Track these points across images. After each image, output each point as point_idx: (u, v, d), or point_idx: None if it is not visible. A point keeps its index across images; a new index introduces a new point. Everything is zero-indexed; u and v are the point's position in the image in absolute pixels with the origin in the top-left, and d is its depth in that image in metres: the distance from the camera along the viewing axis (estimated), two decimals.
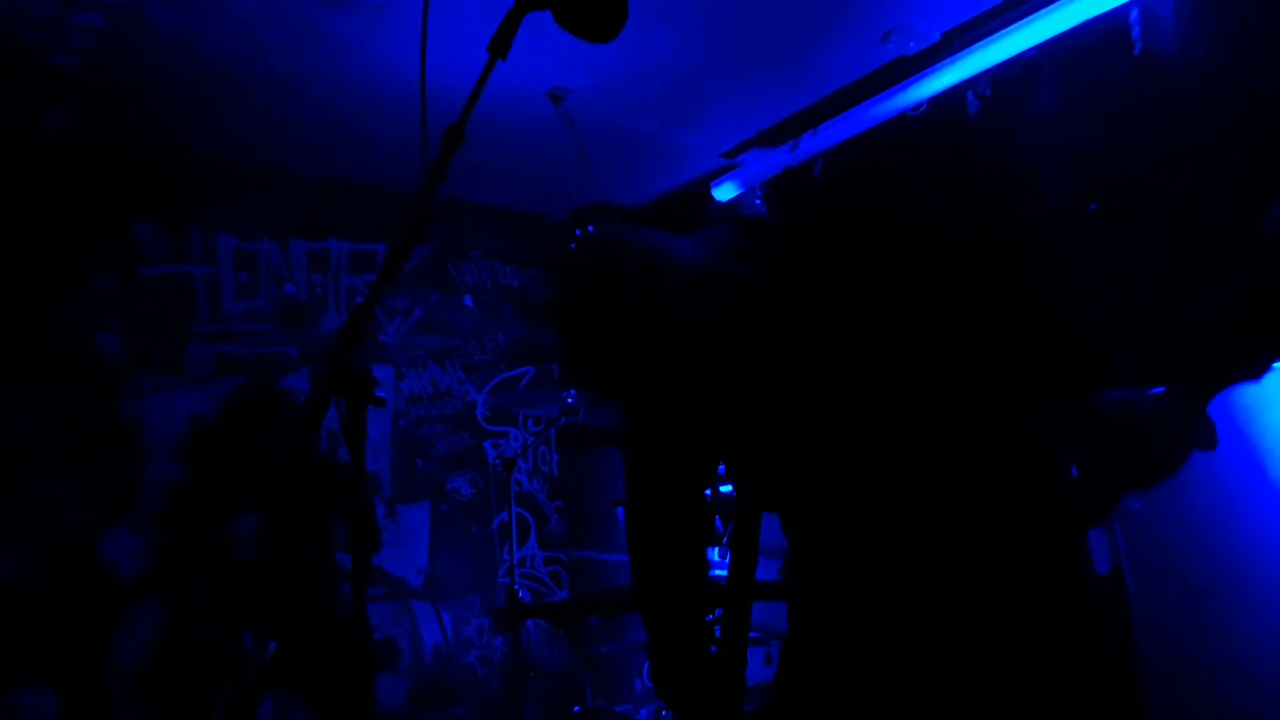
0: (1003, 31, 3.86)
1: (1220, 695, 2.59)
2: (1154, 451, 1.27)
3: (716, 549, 3.57)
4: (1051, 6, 3.70)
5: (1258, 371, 1.24)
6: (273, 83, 4.08)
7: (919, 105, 4.22)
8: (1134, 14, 3.55)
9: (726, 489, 3.27)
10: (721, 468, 1.77)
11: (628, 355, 1.50)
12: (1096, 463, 1.31)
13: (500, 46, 1.36)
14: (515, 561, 4.04)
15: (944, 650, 1.40)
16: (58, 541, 3.96)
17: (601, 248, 1.52)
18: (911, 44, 4.08)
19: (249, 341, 4.71)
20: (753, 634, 1.68)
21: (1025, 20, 3.79)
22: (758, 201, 5.06)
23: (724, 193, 5.13)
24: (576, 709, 3.75)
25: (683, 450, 1.67)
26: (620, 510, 4.88)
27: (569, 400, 4.11)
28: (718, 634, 1.66)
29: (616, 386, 1.61)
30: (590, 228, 1.56)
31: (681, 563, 1.71)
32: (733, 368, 1.47)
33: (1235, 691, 2.59)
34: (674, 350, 1.48)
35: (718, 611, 1.72)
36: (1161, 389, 1.30)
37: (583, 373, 1.58)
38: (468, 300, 5.48)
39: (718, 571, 2.02)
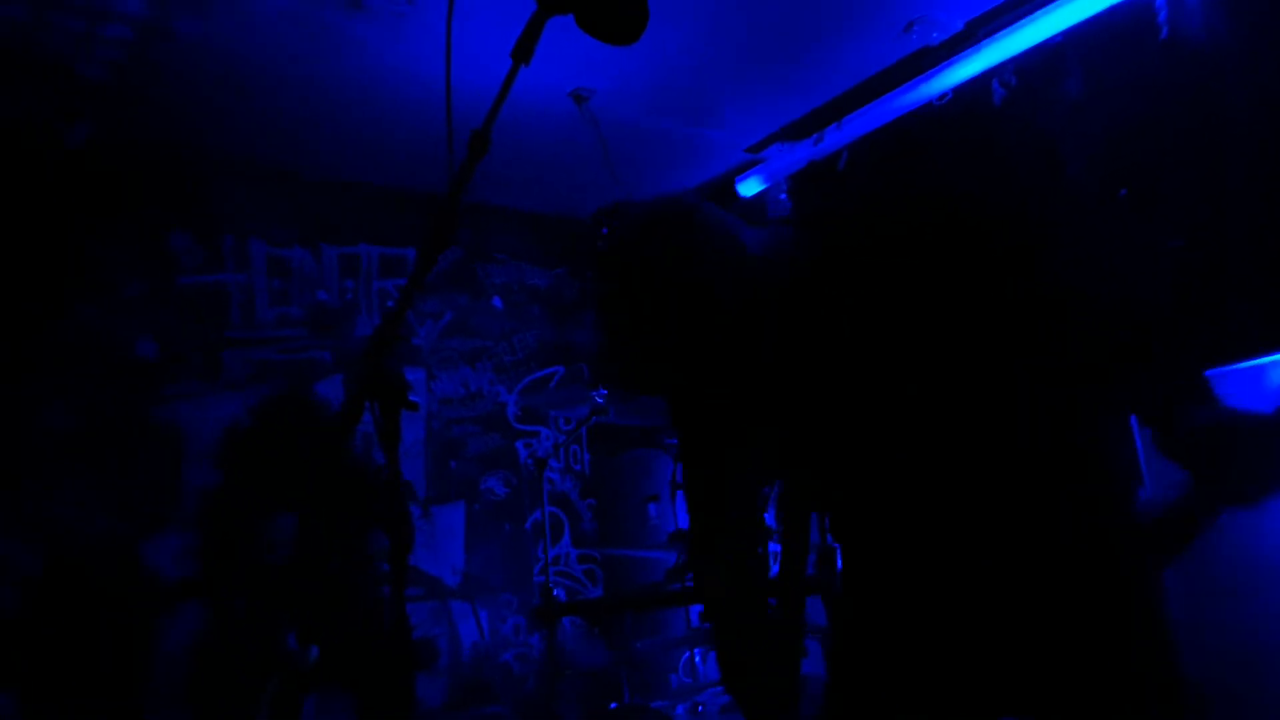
0: (1027, 18, 3.83)
1: (1246, 694, 2.56)
2: (1264, 470, 1.22)
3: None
4: None
5: None
6: (298, 89, 4.12)
7: (944, 94, 4.19)
8: None
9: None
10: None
11: (687, 340, 1.42)
12: (1197, 487, 1.28)
13: (524, 52, 1.37)
14: (549, 560, 4.06)
15: (991, 642, 1.40)
16: (97, 546, 4.03)
17: (682, 215, 1.44)
18: (934, 34, 4.06)
19: (283, 347, 4.76)
20: None
21: (1049, 7, 3.76)
22: (782, 196, 5.05)
23: (748, 188, 5.13)
24: (613, 705, 3.77)
25: (738, 448, 1.67)
26: (652, 507, 4.90)
27: (599, 399, 4.13)
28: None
29: (672, 378, 1.53)
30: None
31: (741, 560, 1.72)
32: (786, 362, 1.46)
33: (1259, 690, 2.55)
34: (734, 339, 1.43)
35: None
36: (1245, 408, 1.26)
37: (631, 364, 1.52)
38: (496, 302, 5.51)
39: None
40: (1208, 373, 1.37)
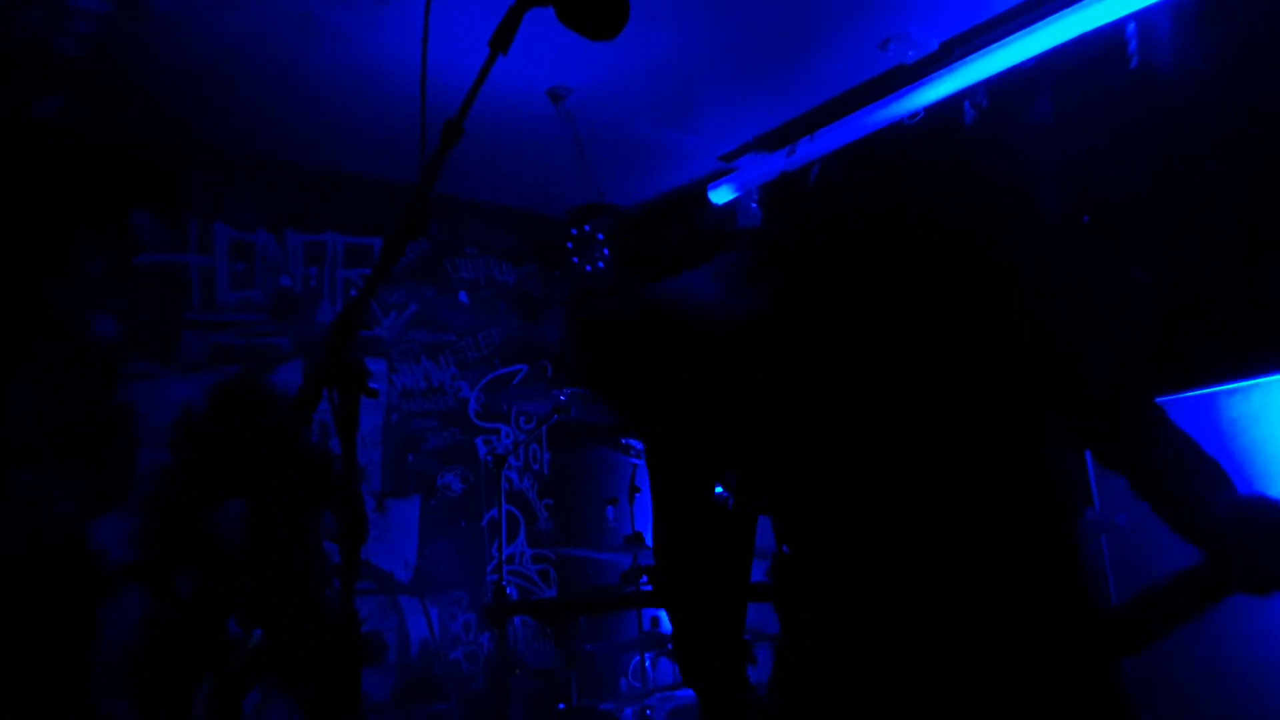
0: (1001, 42, 3.88)
1: (1204, 709, 2.61)
2: (1276, 561, 1.21)
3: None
4: (1050, 18, 3.72)
5: None
6: (272, 73, 4.08)
7: (915, 113, 4.24)
8: (1131, 27, 3.57)
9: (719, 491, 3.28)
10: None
11: (650, 397, 1.51)
12: (1214, 569, 1.26)
13: (502, 41, 1.37)
14: (504, 558, 4.05)
15: (935, 651, 1.41)
16: (46, 527, 3.96)
17: (629, 311, 1.52)
18: (910, 52, 4.09)
19: (242, 332, 4.71)
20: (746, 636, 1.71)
21: (1023, 31, 3.81)
22: (754, 206, 5.07)
23: (720, 196, 5.15)
24: (561, 706, 3.76)
25: (700, 467, 1.69)
26: (610, 509, 4.89)
27: (561, 398, 4.12)
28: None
29: (636, 419, 1.61)
30: (597, 233, 1.55)
31: (701, 565, 1.73)
32: (748, 394, 1.48)
33: (1218, 705, 2.60)
34: (696, 390, 1.48)
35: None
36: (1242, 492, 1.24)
37: (602, 400, 1.60)
38: (463, 296, 5.48)
39: None
40: (1161, 400, 1.38)
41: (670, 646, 3.72)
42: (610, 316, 1.53)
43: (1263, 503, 1.25)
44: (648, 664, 4.24)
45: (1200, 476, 1.31)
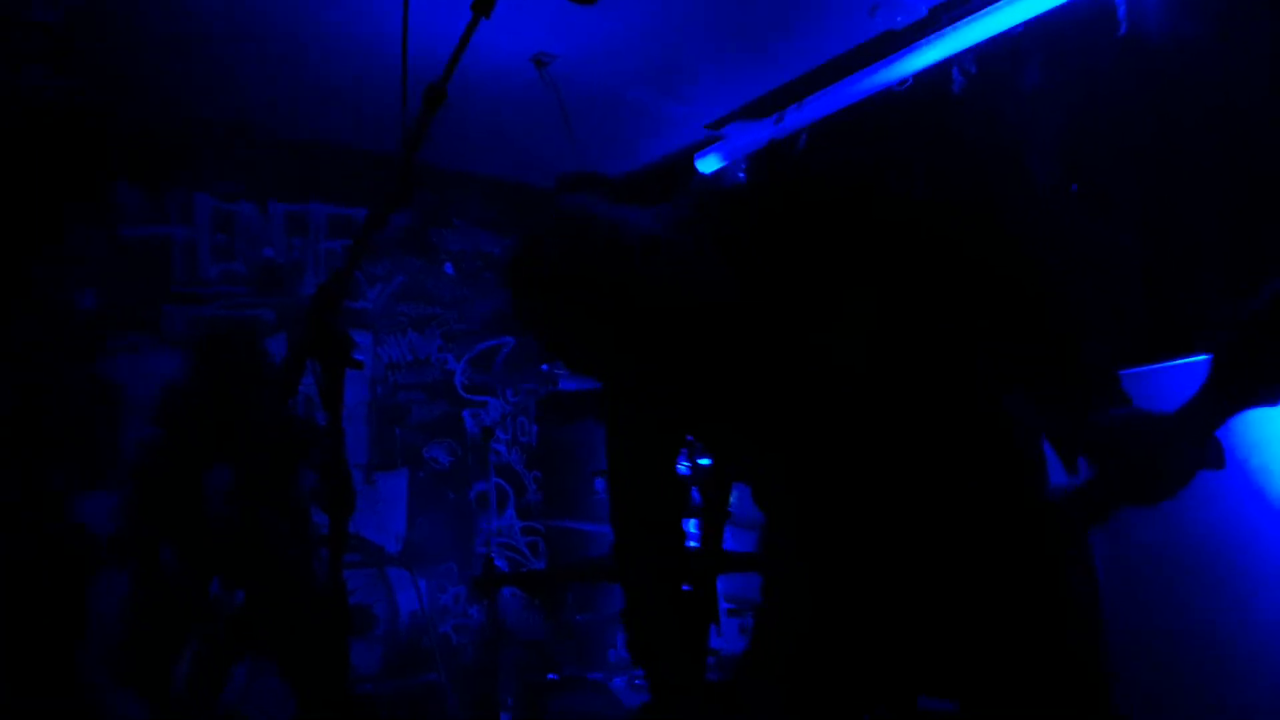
0: (990, 7, 3.85)
1: (1194, 702, 2.62)
2: (1160, 471, 1.21)
3: (693, 520, 3.59)
4: None
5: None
6: (253, 40, 4.02)
7: (904, 80, 4.21)
8: None
9: (705, 461, 3.29)
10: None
11: (594, 330, 1.43)
12: (1097, 482, 1.26)
13: (484, 5, 1.35)
14: (493, 531, 4.05)
15: (910, 622, 1.42)
16: (33, 502, 3.94)
17: (567, 220, 1.44)
18: (899, 18, 4.06)
19: (226, 304, 4.67)
20: (729, 605, 1.71)
21: None
22: (741, 175, 5.05)
23: (707, 165, 5.12)
24: (551, 676, 3.77)
25: (654, 425, 1.67)
26: (599, 481, 4.90)
27: (548, 370, 4.10)
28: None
29: (585, 362, 1.55)
30: (560, 199, 1.50)
31: (656, 533, 1.72)
32: (692, 342, 1.44)
33: (1210, 697, 2.62)
34: (637, 324, 1.41)
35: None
36: (1164, 407, 1.25)
37: (552, 347, 1.53)
38: (449, 268, 5.45)
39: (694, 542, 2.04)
40: (1144, 370, 1.38)
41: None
42: (547, 237, 1.44)
43: (1136, 415, 1.25)
44: None
45: (1096, 391, 1.30)
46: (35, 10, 3.67)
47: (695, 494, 3.26)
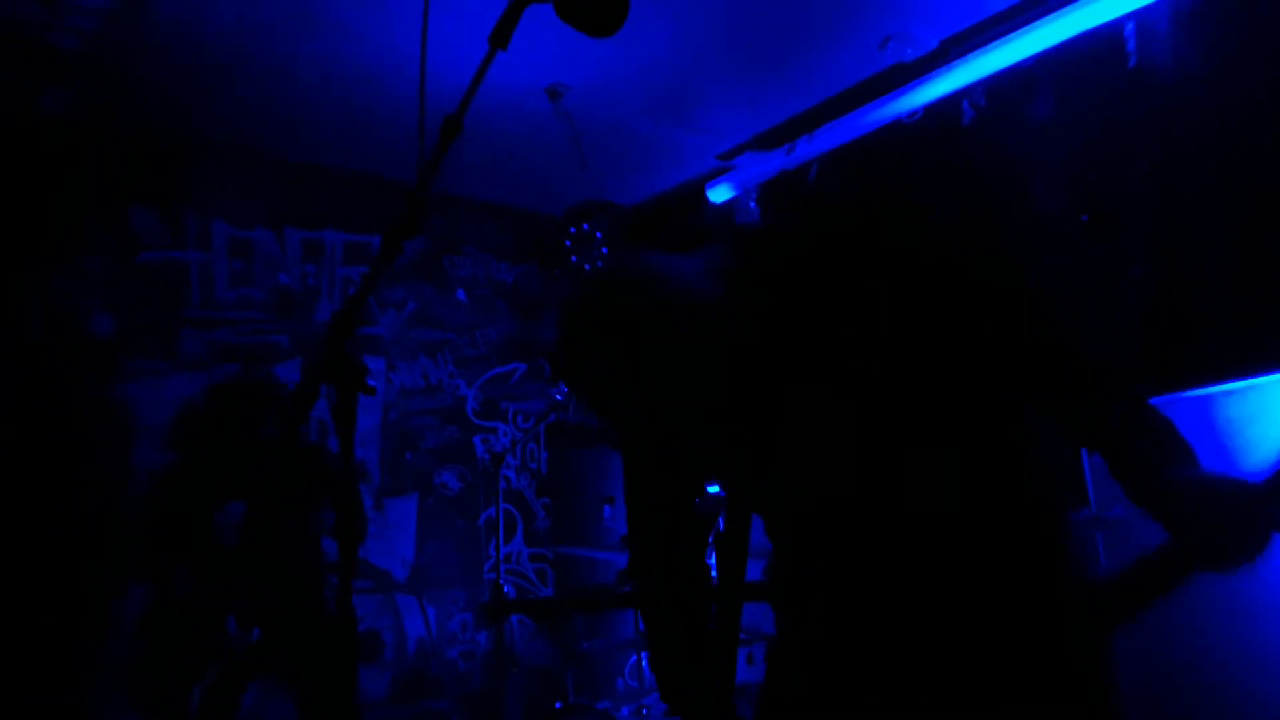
0: (1000, 40, 3.89)
1: (1198, 703, 2.61)
2: (1249, 541, 1.19)
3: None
4: (1048, 17, 3.73)
5: None
6: (272, 69, 4.07)
7: (914, 112, 4.24)
8: (1129, 27, 3.57)
9: (715, 489, 3.28)
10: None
11: (624, 378, 1.47)
12: (1175, 549, 1.24)
13: (501, 37, 1.36)
14: (501, 557, 4.04)
15: (926, 651, 1.41)
16: (44, 524, 3.95)
17: (607, 279, 1.50)
18: (909, 51, 4.10)
19: (241, 330, 4.70)
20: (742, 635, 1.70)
21: (1022, 30, 3.81)
22: (752, 205, 5.07)
23: (719, 194, 5.15)
24: (558, 705, 3.76)
25: (678, 463, 1.68)
26: (607, 508, 4.89)
27: (559, 396, 4.12)
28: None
29: (612, 406, 1.58)
30: (595, 231, 1.54)
31: (678, 567, 1.72)
32: (722, 383, 1.47)
33: (1214, 699, 2.60)
34: (670, 372, 1.45)
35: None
36: (1208, 469, 1.23)
37: (580, 388, 1.57)
38: (461, 294, 5.48)
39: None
40: (1155, 400, 1.39)
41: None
42: (580, 292, 1.51)
43: (1222, 481, 1.23)
44: (644, 663, 4.24)
45: (1168, 453, 1.30)
46: (56, 36, 3.73)
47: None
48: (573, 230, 1.64)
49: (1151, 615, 1.33)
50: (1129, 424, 1.34)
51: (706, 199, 5.18)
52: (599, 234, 1.69)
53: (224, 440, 3.76)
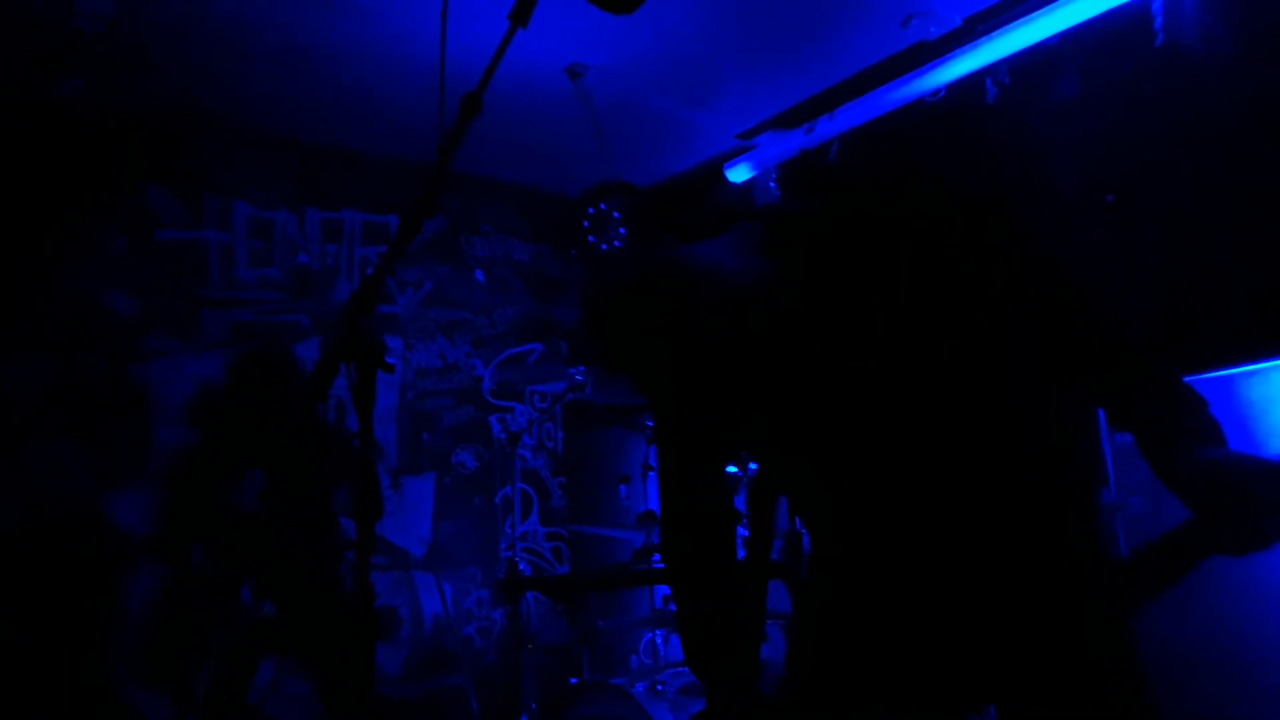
0: (1025, 18, 3.83)
1: (1219, 690, 2.60)
2: (1263, 518, 1.20)
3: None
4: None
5: None
6: (290, 49, 4.07)
7: (937, 91, 4.19)
8: (1156, 4, 3.52)
9: (733, 470, 3.28)
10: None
11: (664, 358, 1.54)
12: (1198, 526, 1.25)
13: (521, 15, 1.36)
14: (517, 535, 4.06)
15: (950, 632, 1.41)
16: (64, 500, 3.99)
17: (646, 273, 1.56)
18: (932, 28, 4.05)
19: (261, 309, 4.73)
20: None
21: (1048, 7, 3.76)
22: (772, 185, 5.04)
23: (738, 174, 5.12)
24: (573, 681, 3.78)
25: (712, 438, 1.69)
26: (623, 487, 4.90)
27: (577, 376, 4.12)
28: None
29: (650, 382, 1.64)
30: (613, 212, 1.57)
31: (711, 541, 1.73)
32: (758, 360, 1.49)
33: (1234, 686, 2.59)
34: (708, 351, 1.50)
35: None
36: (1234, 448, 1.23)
37: (616, 367, 1.62)
38: (479, 274, 5.48)
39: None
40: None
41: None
42: (625, 282, 1.54)
43: (1252, 461, 1.23)
44: (659, 641, 4.26)
45: (1200, 433, 1.30)
46: (77, 19, 3.74)
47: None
48: (590, 211, 1.64)
49: (1169, 598, 1.33)
50: (1165, 401, 1.33)
51: (725, 179, 5.15)
52: (616, 214, 1.69)
53: (243, 414, 3.78)
